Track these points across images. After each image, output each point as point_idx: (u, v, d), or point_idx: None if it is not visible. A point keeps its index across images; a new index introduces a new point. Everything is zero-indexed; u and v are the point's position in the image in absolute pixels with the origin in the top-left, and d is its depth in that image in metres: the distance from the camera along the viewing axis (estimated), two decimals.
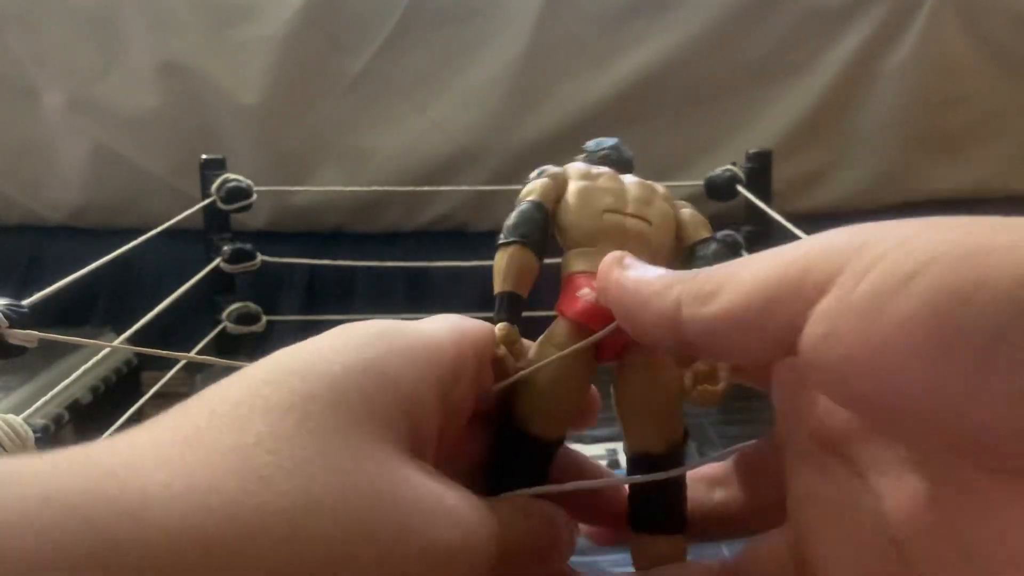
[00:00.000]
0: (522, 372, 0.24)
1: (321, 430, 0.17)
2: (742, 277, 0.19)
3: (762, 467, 0.24)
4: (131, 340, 0.44)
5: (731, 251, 0.26)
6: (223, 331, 0.68)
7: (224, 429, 0.17)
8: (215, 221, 0.68)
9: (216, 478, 0.15)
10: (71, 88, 0.93)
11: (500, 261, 0.24)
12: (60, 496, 0.14)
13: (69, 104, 0.93)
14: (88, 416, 0.65)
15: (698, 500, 0.25)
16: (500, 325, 0.24)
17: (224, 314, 0.68)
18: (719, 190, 0.66)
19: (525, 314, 0.24)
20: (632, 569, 0.25)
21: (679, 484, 0.25)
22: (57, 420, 0.60)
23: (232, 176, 0.66)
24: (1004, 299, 0.15)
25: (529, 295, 0.25)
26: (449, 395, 0.21)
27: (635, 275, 0.22)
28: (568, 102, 0.88)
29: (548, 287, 0.25)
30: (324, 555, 0.16)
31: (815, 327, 0.17)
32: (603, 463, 0.52)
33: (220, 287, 0.69)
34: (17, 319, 0.29)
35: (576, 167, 0.26)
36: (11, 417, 0.27)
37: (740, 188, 0.65)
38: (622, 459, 0.26)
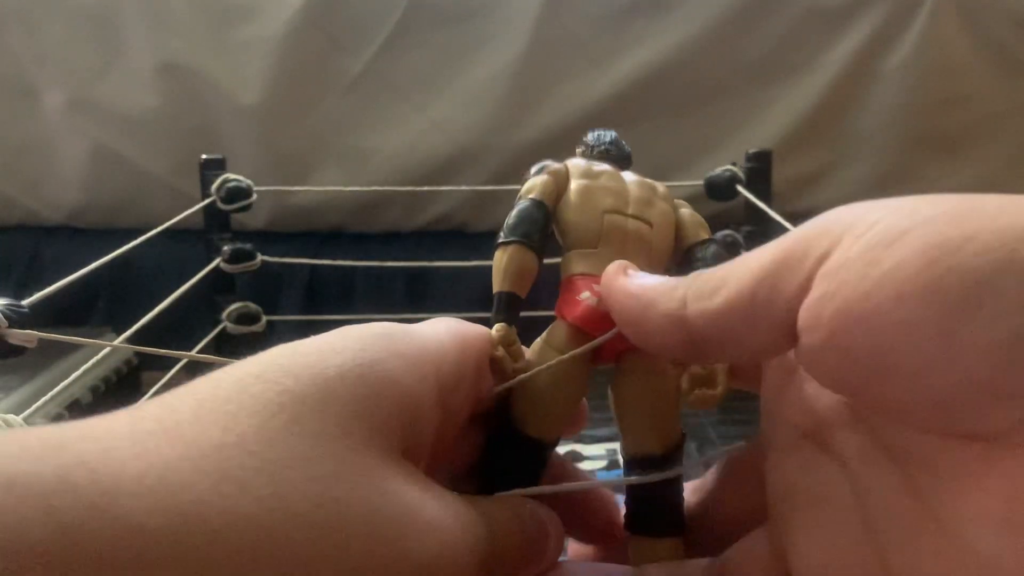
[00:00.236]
0: (523, 375, 0.24)
1: (307, 433, 0.17)
2: (745, 266, 0.19)
3: (752, 471, 0.24)
4: (131, 340, 0.44)
5: (730, 252, 0.26)
6: (223, 331, 0.68)
7: (208, 424, 0.16)
8: (215, 221, 0.68)
9: (191, 476, 0.15)
10: (71, 88, 0.93)
11: (500, 260, 0.24)
12: (25, 481, 0.13)
13: (69, 104, 0.93)
14: (88, 416, 0.65)
15: (691, 513, 0.25)
16: (498, 326, 0.23)
17: (224, 314, 0.68)
18: (719, 190, 0.66)
19: (524, 314, 0.24)
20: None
21: (676, 487, 0.25)
22: (57, 420, 0.60)
23: (232, 176, 0.66)
24: (990, 251, 0.15)
25: (528, 295, 0.25)
26: (449, 398, 0.21)
27: (640, 282, 0.22)
28: (568, 102, 0.88)
29: (547, 287, 0.25)
30: (289, 563, 0.15)
31: (814, 292, 0.17)
32: (603, 463, 0.52)
33: (220, 287, 0.69)
34: (17, 319, 0.29)
35: (577, 164, 0.26)
36: (11, 417, 0.27)
37: (740, 188, 0.65)
38: (621, 460, 0.26)
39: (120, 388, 0.73)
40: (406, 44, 0.90)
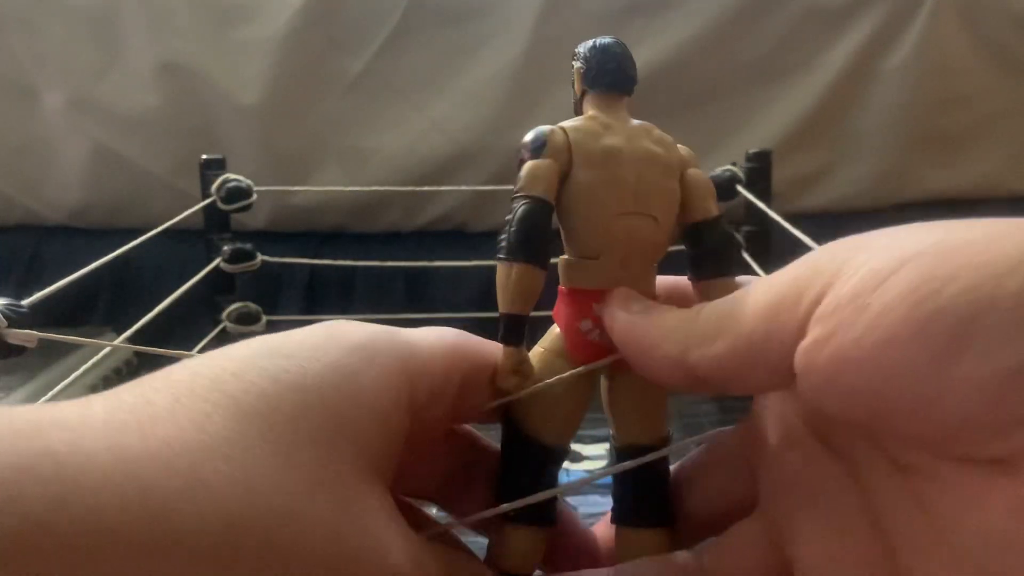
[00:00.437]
0: (531, 388, 0.24)
1: (282, 442, 0.17)
2: (741, 314, 0.19)
3: (736, 459, 0.24)
4: (131, 340, 0.44)
5: (732, 243, 0.26)
6: (223, 331, 0.68)
7: (183, 422, 0.16)
8: (215, 221, 0.68)
9: (161, 475, 0.15)
10: (71, 88, 0.93)
11: (505, 279, 0.22)
12: None
13: (69, 104, 0.93)
14: None
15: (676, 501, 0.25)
16: (507, 351, 0.23)
17: (224, 314, 0.68)
18: (719, 190, 0.65)
19: None
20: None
21: (663, 478, 0.25)
22: None
23: (232, 176, 0.66)
24: (976, 290, 0.15)
25: None
26: (423, 413, 0.21)
27: (641, 321, 0.22)
28: (568, 102, 0.88)
29: (546, 287, 0.25)
30: (247, 573, 0.15)
31: (808, 337, 0.18)
32: (602, 463, 0.52)
33: (220, 287, 0.69)
34: (17, 319, 0.29)
35: (580, 143, 0.23)
36: None
37: (740, 188, 0.65)
38: (611, 451, 0.26)
39: None
40: (406, 44, 0.90)
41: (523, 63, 0.89)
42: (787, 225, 0.49)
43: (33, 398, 0.62)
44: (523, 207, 0.22)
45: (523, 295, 0.22)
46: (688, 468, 0.26)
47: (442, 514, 0.26)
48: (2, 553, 0.13)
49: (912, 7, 0.87)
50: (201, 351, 0.62)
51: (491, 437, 0.26)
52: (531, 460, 0.24)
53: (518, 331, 0.23)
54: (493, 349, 0.23)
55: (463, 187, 0.88)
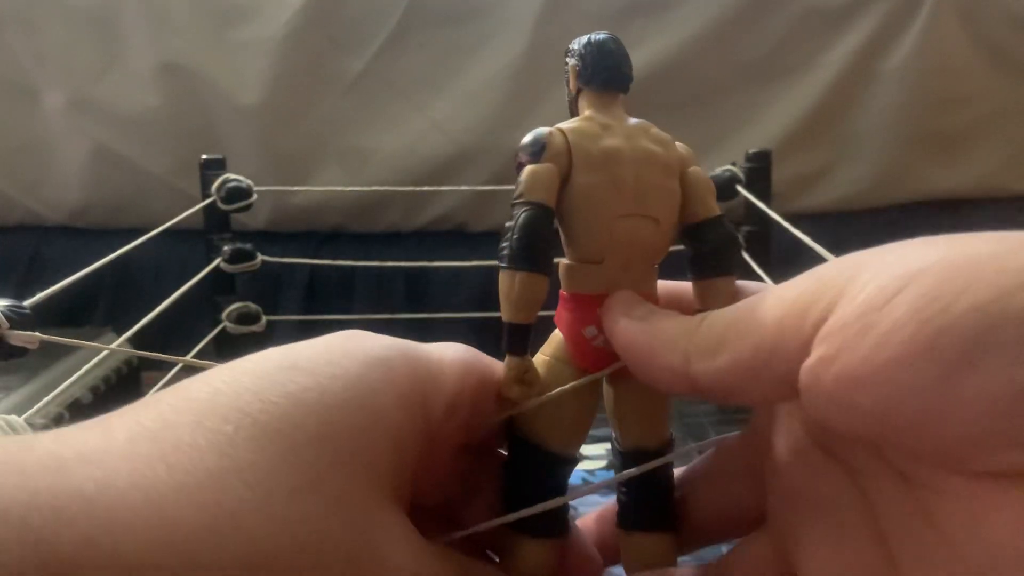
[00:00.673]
0: (539, 399, 0.23)
1: (304, 465, 0.17)
2: (746, 326, 0.19)
3: (738, 466, 0.24)
4: (132, 340, 0.44)
5: (734, 242, 0.25)
6: (223, 331, 0.68)
7: (205, 449, 0.16)
8: (215, 221, 0.68)
9: (186, 510, 0.15)
10: (71, 88, 0.93)
11: (508, 288, 0.22)
12: (20, 512, 0.14)
13: (69, 104, 0.93)
14: (89, 416, 0.64)
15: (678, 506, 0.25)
16: (510, 362, 0.23)
17: (224, 314, 0.68)
18: (719, 190, 0.65)
19: None
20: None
21: (667, 483, 0.25)
22: (58, 420, 0.60)
23: (232, 176, 0.66)
24: (984, 307, 0.15)
25: None
26: (438, 429, 0.21)
27: (643, 328, 0.22)
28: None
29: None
30: None
31: (813, 355, 0.17)
32: (602, 463, 0.52)
33: (220, 287, 0.69)
34: (18, 320, 0.29)
35: (580, 145, 0.23)
36: (13, 418, 0.27)
37: (740, 188, 0.65)
38: (614, 456, 0.26)
39: (120, 388, 0.73)
40: (406, 44, 0.90)
41: (523, 63, 0.89)
42: (787, 225, 0.49)
43: (34, 398, 0.62)
44: (524, 213, 0.22)
45: (527, 304, 0.22)
46: (693, 474, 0.26)
47: None
48: None
49: (912, 7, 0.87)
50: (201, 351, 0.62)
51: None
52: (539, 469, 0.24)
53: (522, 340, 0.23)
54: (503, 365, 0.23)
55: (463, 187, 0.88)
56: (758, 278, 0.57)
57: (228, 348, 0.69)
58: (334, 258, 0.81)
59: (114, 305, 0.94)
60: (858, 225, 0.89)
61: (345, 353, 0.20)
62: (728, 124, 0.90)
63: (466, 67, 0.91)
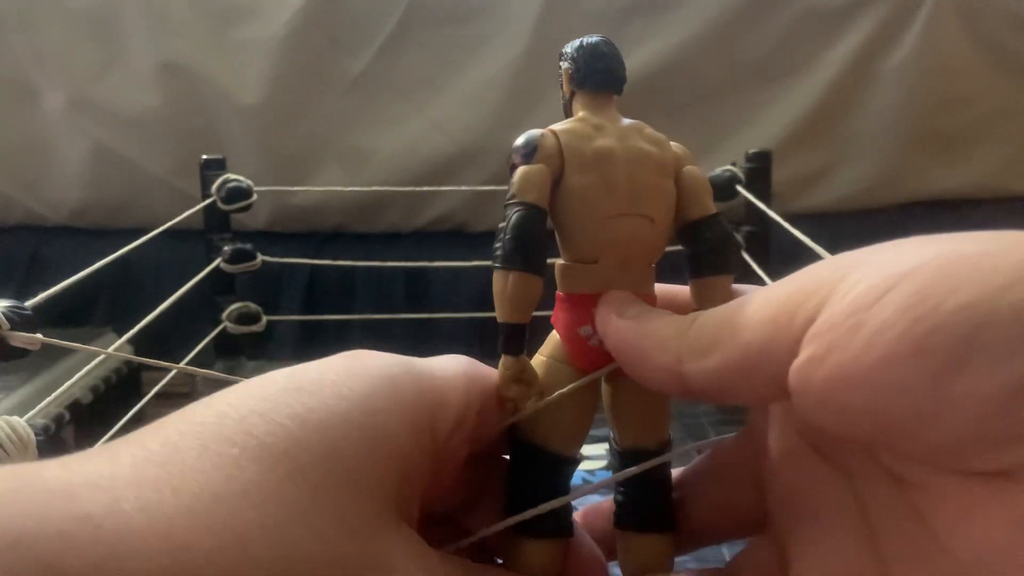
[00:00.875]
0: (542, 402, 0.23)
1: (311, 486, 0.17)
2: (737, 326, 0.19)
3: (734, 468, 0.24)
4: (132, 341, 0.44)
5: (731, 240, 0.25)
6: (223, 331, 0.68)
7: (211, 472, 0.16)
8: (215, 221, 0.68)
9: (194, 534, 0.15)
10: (71, 88, 0.93)
11: (501, 288, 0.22)
12: (29, 540, 0.14)
13: (69, 104, 0.93)
14: (89, 416, 0.65)
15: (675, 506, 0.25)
16: (506, 362, 0.23)
17: (224, 314, 0.68)
18: (719, 190, 0.66)
19: None
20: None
21: (665, 483, 0.25)
22: (58, 420, 0.60)
23: (232, 176, 0.66)
24: (973, 306, 0.15)
25: None
26: (446, 444, 0.21)
27: (633, 327, 0.22)
28: None
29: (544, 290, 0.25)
30: None
31: (802, 355, 0.17)
32: (602, 463, 0.52)
33: (220, 287, 0.69)
34: (19, 321, 0.29)
35: (573, 146, 0.23)
36: (14, 419, 0.27)
37: (740, 188, 0.65)
38: (612, 455, 0.26)
39: (121, 388, 0.73)
40: (406, 44, 0.90)
41: (523, 63, 0.89)
42: (787, 225, 0.49)
43: (34, 398, 0.62)
44: (517, 214, 0.22)
45: (521, 304, 0.22)
46: (691, 474, 0.26)
47: None
48: None
49: (912, 7, 0.87)
50: (202, 351, 0.62)
51: None
52: (541, 471, 0.24)
53: (518, 340, 0.23)
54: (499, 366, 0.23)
55: (463, 187, 0.88)
56: (758, 278, 0.57)
57: (228, 348, 0.69)
58: (334, 258, 0.81)
59: (114, 305, 0.94)
60: (858, 225, 0.89)
61: (350, 374, 0.20)
62: (728, 124, 0.90)
63: (466, 67, 0.91)
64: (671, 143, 0.24)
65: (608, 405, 0.25)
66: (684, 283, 0.25)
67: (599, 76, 0.24)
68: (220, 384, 0.20)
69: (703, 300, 0.24)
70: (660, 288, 0.25)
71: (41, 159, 0.95)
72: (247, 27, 0.90)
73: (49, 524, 0.14)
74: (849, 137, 0.91)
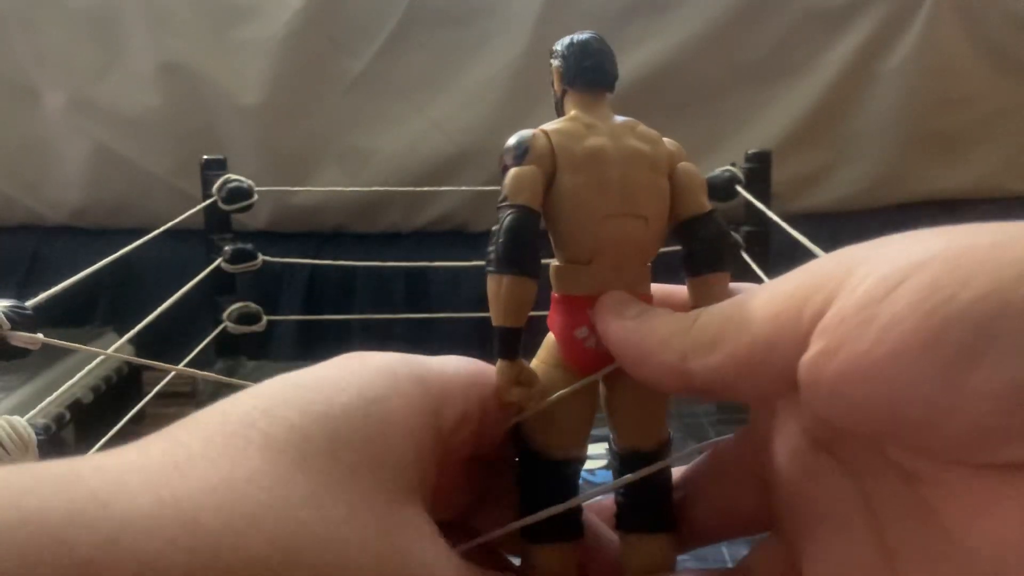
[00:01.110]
0: (542, 404, 0.23)
1: (317, 472, 0.17)
2: (742, 321, 0.19)
3: (737, 466, 0.24)
4: (132, 341, 0.44)
5: (726, 237, 0.25)
6: (224, 331, 0.68)
7: (218, 459, 0.16)
8: (216, 221, 0.68)
9: (203, 512, 0.15)
10: (72, 88, 0.93)
11: (496, 292, 0.22)
12: (39, 517, 0.13)
13: (70, 104, 0.93)
14: (89, 416, 0.65)
15: (677, 506, 0.25)
16: (502, 365, 0.23)
17: (225, 314, 0.68)
18: (718, 190, 0.66)
19: None
20: None
21: (665, 483, 0.25)
22: (59, 420, 0.60)
23: (233, 176, 0.66)
24: (986, 298, 0.15)
25: None
26: (450, 439, 0.21)
27: (635, 326, 0.22)
28: None
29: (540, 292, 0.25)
30: None
31: (812, 349, 0.17)
32: (602, 463, 0.52)
33: (221, 287, 0.69)
34: (20, 321, 0.29)
35: (565, 146, 0.23)
36: (15, 419, 0.27)
37: (739, 188, 0.65)
38: (611, 456, 0.25)
39: (121, 388, 0.73)
40: (406, 44, 0.90)
41: (523, 63, 0.89)
42: (786, 226, 0.49)
43: (34, 398, 0.62)
44: (509, 217, 0.22)
45: (516, 307, 0.22)
46: (692, 474, 0.26)
47: None
48: None
49: (912, 7, 0.88)
50: (202, 351, 0.62)
51: None
52: (544, 476, 0.24)
53: (513, 344, 0.22)
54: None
55: (463, 187, 0.88)
56: (757, 278, 0.57)
57: (229, 348, 0.69)
58: (334, 258, 0.81)
59: (115, 305, 0.94)
60: (857, 225, 0.89)
61: (347, 368, 0.20)
62: (728, 124, 0.90)
63: (466, 67, 0.91)
64: (664, 140, 0.24)
65: (606, 407, 0.25)
66: (679, 282, 0.25)
67: (590, 74, 0.24)
68: (221, 384, 0.20)
69: (701, 298, 0.24)
70: (656, 288, 0.25)
71: (42, 159, 0.95)
72: (247, 27, 0.90)
73: (57, 502, 0.14)
74: (849, 137, 0.91)
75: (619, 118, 0.24)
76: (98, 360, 0.41)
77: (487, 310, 0.23)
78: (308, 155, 0.93)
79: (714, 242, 0.24)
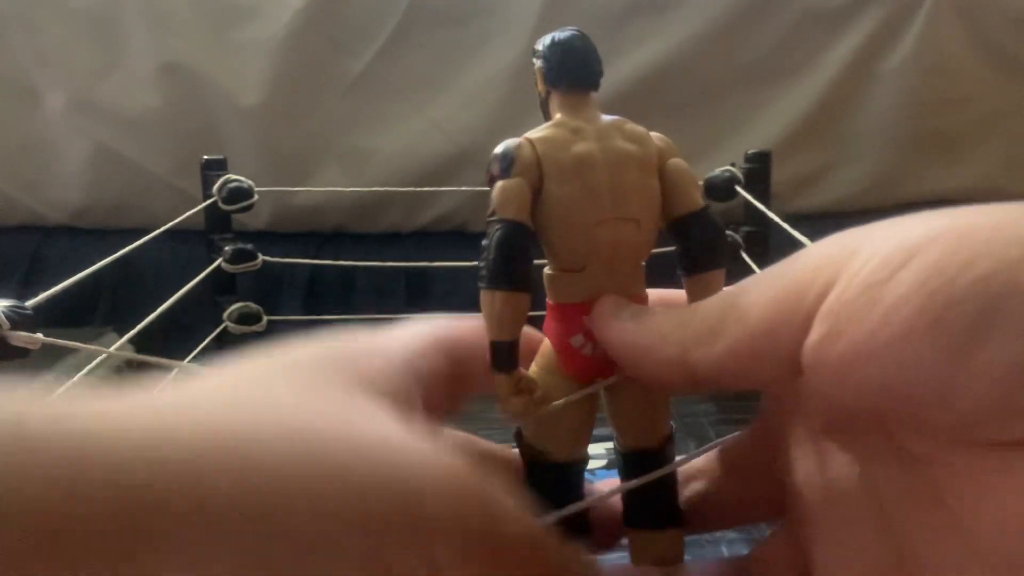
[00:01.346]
0: (543, 409, 0.23)
1: (299, 379, 0.18)
2: (742, 309, 0.19)
3: (745, 458, 0.24)
4: (133, 341, 0.44)
5: (721, 234, 0.25)
6: (224, 331, 0.68)
7: (201, 384, 0.17)
8: (216, 221, 0.68)
9: (197, 399, 0.16)
10: (72, 88, 0.93)
11: (490, 307, 0.22)
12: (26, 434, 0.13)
13: (70, 104, 0.93)
14: None
15: (685, 502, 0.25)
16: (502, 380, 0.22)
17: (225, 314, 0.68)
18: (718, 190, 0.66)
19: None
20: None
21: (672, 478, 0.25)
22: None
23: (233, 176, 0.66)
24: (990, 279, 0.15)
25: None
26: (426, 396, 0.21)
27: (633, 327, 0.22)
28: None
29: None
30: (285, 478, 0.14)
31: (815, 333, 0.17)
32: (603, 463, 0.52)
33: (221, 287, 0.69)
34: (20, 321, 0.29)
35: (549, 155, 0.22)
36: None
37: (739, 189, 0.65)
38: (616, 454, 0.26)
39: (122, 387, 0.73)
40: (406, 45, 0.90)
41: (523, 63, 0.89)
42: (786, 226, 0.49)
43: None
44: (499, 232, 0.22)
45: (511, 322, 0.22)
46: (699, 467, 0.26)
47: None
48: (51, 461, 0.12)
49: (911, 7, 0.88)
50: (202, 351, 0.62)
51: (480, 433, 0.25)
52: (548, 480, 0.24)
53: (509, 357, 0.22)
54: (470, 324, 0.23)
55: (463, 187, 0.88)
56: None
57: (229, 348, 0.69)
58: (334, 258, 0.82)
59: (115, 305, 0.94)
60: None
61: (314, 338, 0.20)
62: (728, 124, 0.90)
63: (466, 67, 0.91)
64: (654, 136, 0.24)
65: (608, 410, 0.25)
66: (673, 283, 0.25)
67: (573, 74, 0.23)
68: None
69: (698, 297, 0.23)
70: (652, 294, 0.24)
71: (42, 159, 0.95)
72: (247, 27, 0.90)
73: (50, 407, 0.13)
74: (849, 137, 0.91)
75: (606, 117, 0.23)
76: (98, 360, 0.41)
77: None
78: (308, 155, 0.93)
79: (709, 239, 0.24)
